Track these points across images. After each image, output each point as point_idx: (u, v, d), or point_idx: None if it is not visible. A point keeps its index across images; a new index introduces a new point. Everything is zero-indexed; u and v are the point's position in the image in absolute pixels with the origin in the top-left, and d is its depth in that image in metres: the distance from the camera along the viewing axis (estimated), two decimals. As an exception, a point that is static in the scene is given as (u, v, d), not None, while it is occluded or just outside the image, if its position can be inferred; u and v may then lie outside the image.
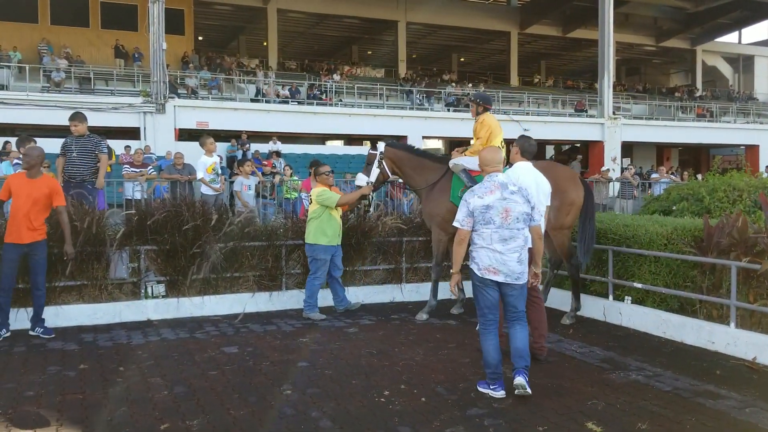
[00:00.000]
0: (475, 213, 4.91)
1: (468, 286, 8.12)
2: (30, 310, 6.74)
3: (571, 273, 7.36)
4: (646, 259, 7.14)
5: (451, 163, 7.58)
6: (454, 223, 5.05)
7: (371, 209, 8.59)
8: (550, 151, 41.19)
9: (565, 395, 4.94)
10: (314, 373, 5.48)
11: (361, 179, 7.74)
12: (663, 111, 34.70)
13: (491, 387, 4.94)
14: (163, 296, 7.74)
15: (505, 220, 4.88)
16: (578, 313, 7.47)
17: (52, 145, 10.08)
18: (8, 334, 6.51)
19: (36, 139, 10.20)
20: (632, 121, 30.26)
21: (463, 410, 4.62)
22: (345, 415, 4.52)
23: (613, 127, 27.43)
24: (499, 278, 4.91)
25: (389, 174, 7.80)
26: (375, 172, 7.70)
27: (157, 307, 7.60)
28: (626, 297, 7.31)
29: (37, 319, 6.68)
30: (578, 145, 34.53)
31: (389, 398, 4.85)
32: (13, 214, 6.52)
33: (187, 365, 5.70)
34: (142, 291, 7.66)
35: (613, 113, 28.22)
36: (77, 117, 8.04)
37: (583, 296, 7.62)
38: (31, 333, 6.68)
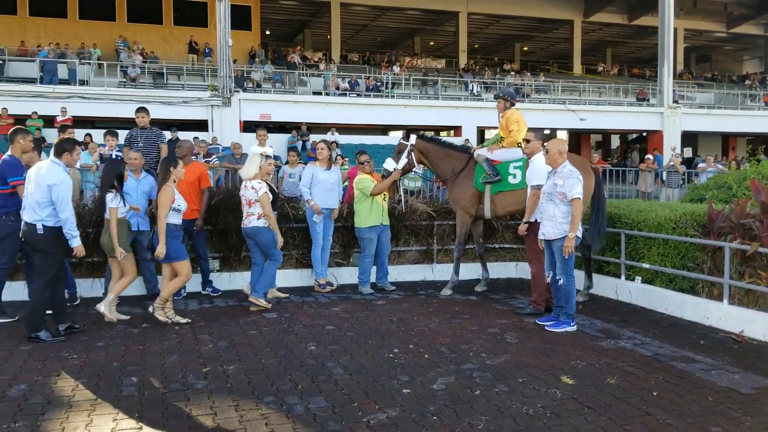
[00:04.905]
0: None
1: (492, 266, 8.86)
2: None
3: (583, 253, 7.91)
4: (655, 241, 7.64)
5: (475, 154, 8.29)
6: (578, 196, 6.26)
7: (401, 196, 9.27)
8: (615, 141, 40.82)
9: (553, 356, 5.59)
10: (338, 334, 6.31)
11: (389, 164, 8.47)
12: (731, 99, 33.89)
13: (572, 324, 6.47)
14: (217, 271, 8.73)
15: None
16: (591, 291, 8.03)
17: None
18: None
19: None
20: (693, 110, 29.77)
21: (458, 365, 5.34)
22: (356, 365, 5.32)
23: (673, 116, 27.15)
24: None
25: (415, 164, 8.51)
26: (403, 161, 8.42)
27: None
28: (637, 277, 7.82)
29: (206, 281, 8.35)
30: (645, 134, 34.18)
31: (397, 355, 5.62)
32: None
33: (231, 326, 6.64)
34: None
35: (675, 102, 27.87)
36: (144, 110, 9.08)
37: (597, 276, 8.17)
38: (203, 291, 8.34)
